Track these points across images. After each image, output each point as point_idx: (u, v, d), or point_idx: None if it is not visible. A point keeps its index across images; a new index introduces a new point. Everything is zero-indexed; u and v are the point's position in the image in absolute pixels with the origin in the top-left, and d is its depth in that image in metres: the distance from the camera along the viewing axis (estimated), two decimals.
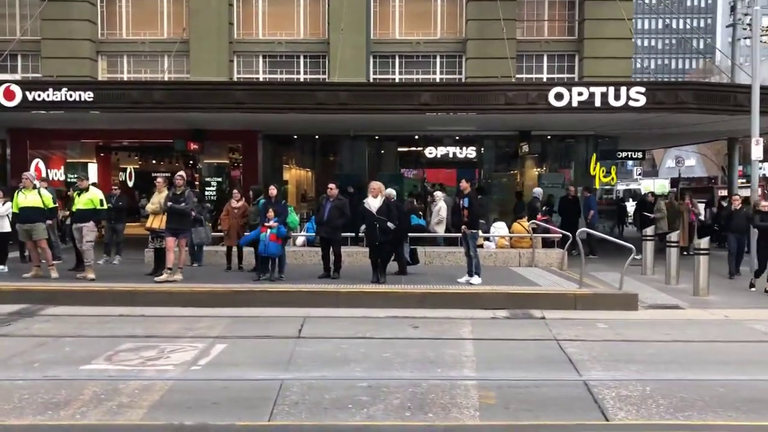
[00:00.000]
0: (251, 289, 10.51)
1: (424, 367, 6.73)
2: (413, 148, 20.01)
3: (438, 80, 19.81)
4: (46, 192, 11.72)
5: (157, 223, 11.31)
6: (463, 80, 19.55)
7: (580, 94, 14.14)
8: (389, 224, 10.71)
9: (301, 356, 7.12)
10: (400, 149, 20.31)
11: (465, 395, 5.78)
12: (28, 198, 11.31)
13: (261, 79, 19.01)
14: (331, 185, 11.62)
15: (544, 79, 19.86)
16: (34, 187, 11.47)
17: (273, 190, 11.53)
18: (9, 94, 13.59)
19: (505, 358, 7.16)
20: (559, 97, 14.10)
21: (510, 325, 9.07)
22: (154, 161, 22.47)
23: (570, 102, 14.11)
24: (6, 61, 18.22)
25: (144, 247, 12.68)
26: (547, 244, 14.35)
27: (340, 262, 11.55)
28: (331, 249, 11.50)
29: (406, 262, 12.12)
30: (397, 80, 19.60)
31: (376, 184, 11.03)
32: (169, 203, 11.02)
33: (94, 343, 7.65)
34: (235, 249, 12.60)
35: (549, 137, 18.89)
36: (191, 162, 20.74)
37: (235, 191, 12.83)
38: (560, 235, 14.04)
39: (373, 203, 10.84)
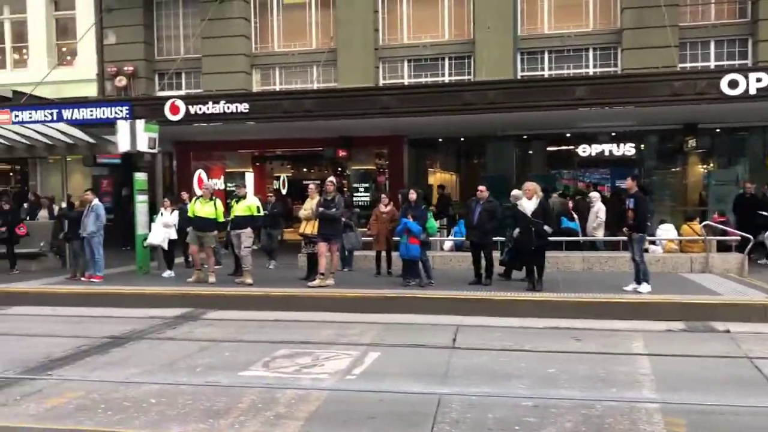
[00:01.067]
0: (401, 295, 10.29)
1: (595, 385, 6.08)
2: (564, 147, 19.01)
3: (591, 74, 18.71)
4: (220, 204, 12.27)
5: (310, 228, 11.42)
6: (619, 72, 18.30)
7: (758, 80, 12.60)
8: (546, 228, 10.04)
9: (458, 369, 6.72)
10: (549, 148, 19.38)
11: (648, 421, 5.09)
12: (204, 208, 11.89)
13: (406, 83, 18.94)
14: (481, 187, 11.15)
15: (712, 67, 18.10)
16: (211, 199, 12.04)
17: (413, 195, 11.27)
18: (174, 109, 14.44)
19: (689, 378, 6.32)
20: (733, 84, 12.66)
21: (689, 340, 8.11)
22: (304, 169, 23.17)
23: (747, 89, 12.62)
24: (172, 79, 19.55)
25: (297, 251, 12.93)
26: (723, 248, 12.93)
27: (492, 268, 11.03)
28: (482, 254, 11.02)
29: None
30: (546, 76, 18.73)
31: (531, 185, 10.40)
32: (320, 209, 11.09)
33: (252, 348, 7.73)
34: (383, 254, 12.48)
35: (717, 130, 17.16)
36: (339, 169, 21.07)
37: (383, 196, 12.73)
38: (739, 238, 12.59)
39: (527, 205, 10.23)
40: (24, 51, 20.45)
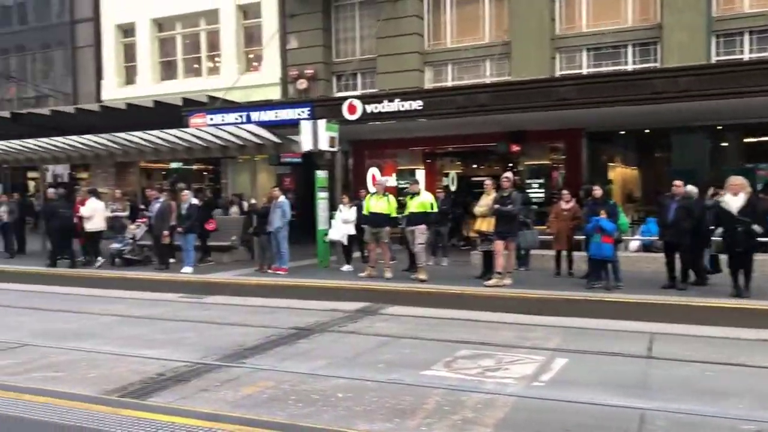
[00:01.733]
0: (586, 298, 9.69)
1: None
2: (764, 138, 17.00)
3: None
4: (392, 199, 12.42)
5: (486, 225, 11.15)
6: None
7: None
8: (755, 227, 8.94)
9: (657, 381, 6.13)
10: (746, 140, 17.44)
11: None
12: (378, 204, 12.10)
13: (584, 73, 17.99)
14: (677, 182, 10.20)
15: None
16: (384, 194, 12.24)
17: (597, 191, 10.57)
18: (351, 109, 14.83)
19: None
20: None
21: None
22: (474, 165, 22.83)
23: None
24: (348, 80, 20.17)
25: (469, 249, 12.71)
26: None
27: (688, 270, 10.07)
28: (677, 255, 10.08)
29: (705, 271, 10.40)
30: (746, 59, 16.86)
31: (738, 180, 9.31)
32: (496, 206, 10.78)
33: (431, 347, 7.63)
34: (564, 253, 11.88)
35: None
36: (511, 165, 20.52)
37: (564, 192, 12.11)
38: None
39: (732, 202, 9.17)
40: (217, 59, 22.13)
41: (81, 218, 14.32)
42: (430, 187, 18.19)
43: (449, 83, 19.34)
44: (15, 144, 17.22)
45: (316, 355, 7.33)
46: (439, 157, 21.66)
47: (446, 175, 23.27)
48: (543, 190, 18.45)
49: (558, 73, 18.23)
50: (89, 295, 12.11)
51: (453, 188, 22.54)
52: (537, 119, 15.26)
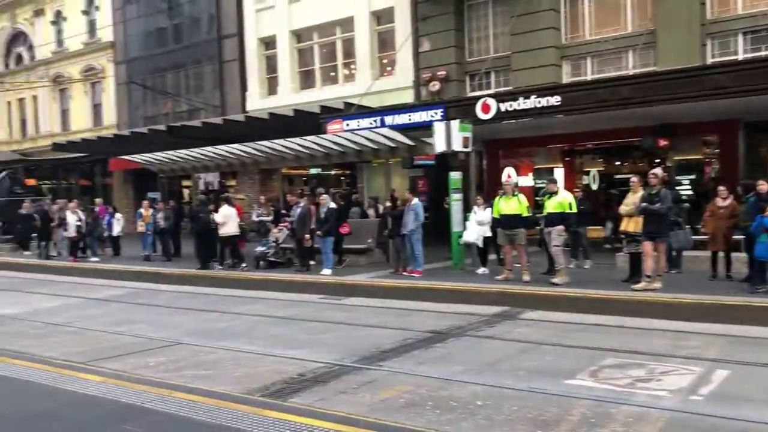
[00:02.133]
0: (748, 304, 8.80)
1: None
2: None
3: None
4: (524, 198, 12.03)
5: (632, 225, 10.47)
6: None
7: None
8: None
9: None
10: None
11: None
12: (509, 205, 11.77)
13: (740, 59, 16.49)
14: None
15: None
16: (514, 195, 11.88)
17: (763, 186, 9.57)
18: (485, 108, 14.54)
19: None
20: None
21: None
22: (617, 162, 21.64)
23: None
24: (482, 79, 19.84)
25: (611, 252, 12.01)
26: None
27: None
28: None
29: None
30: None
31: None
32: (644, 204, 10.08)
33: (574, 354, 7.24)
34: (721, 254, 10.91)
35: None
36: (657, 160, 19.26)
37: (721, 188, 11.10)
38: None
39: None
40: (352, 66, 22.63)
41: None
42: (569, 186, 17.51)
43: (588, 77, 18.48)
44: (170, 155, 18.57)
45: (454, 360, 7.19)
46: (578, 154, 20.79)
47: (587, 173, 22.28)
48: (694, 187, 17.15)
49: (710, 61, 16.87)
50: (235, 296, 12.73)
51: (594, 187, 21.55)
52: (687, 111, 14.19)
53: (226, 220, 14.91)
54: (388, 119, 16.11)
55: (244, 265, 15.01)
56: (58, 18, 32.50)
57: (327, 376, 6.60)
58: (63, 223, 18.72)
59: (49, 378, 6.68)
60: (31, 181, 30.78)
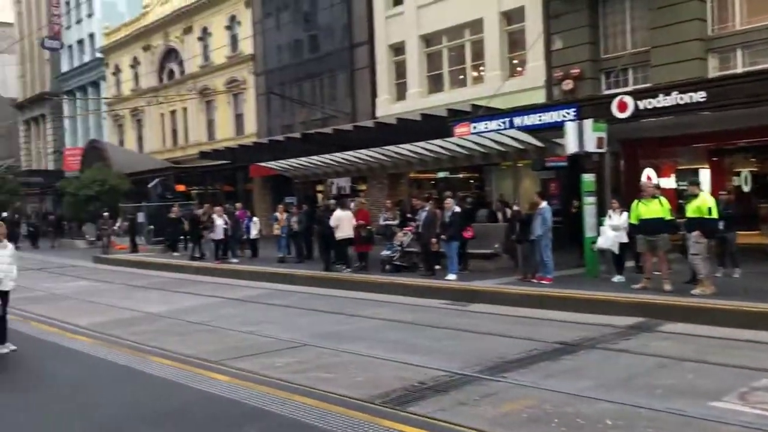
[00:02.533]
0: None
1: None
2: None
3: None
4: (665, 200, 11.22)
5: None
6: None
7: None
8: None
9: None
10: None
11: None
12: (650, 208, 11.01)
13: None
14: None
15: None
16: (654, 197, 11.11)
17: None
18: (622, 106, 13.73)
19: None
20: None
21: None
22: None
23: None
24: (618, 77, 18.82)
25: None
26: None
27: None
28: None
29: None
30: None
31: None
32: None
33: (720, 373, 6.60)
34: None
35: None
36: None
37: None
38: None
39: None
40: (481, 68, 22.30)
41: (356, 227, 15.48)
42: (716, 188, 16.17)
43: (738, 70, 16.99)
44: (303, 161, 19.23)
45: (583, 374, 6.78)
46: (727, 153, 19.20)
47: (737, 173, 20.54)
48: None
49: None
50: (361, 299, 12.88)
51: (746, 188, 19.80)
52: None
53: (339, 223, 15.41)
54: (518, 120, 15.66)
55: (346, 267, 15.31)
56: (204, 34, 34.77)
57: (447, 385, 6.45)
58: (210, 225, 19.93)
59: (183, 376, 7.04)
60: (181, 187, 33.05)
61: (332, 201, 19.36)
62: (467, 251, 14.63)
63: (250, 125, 32.15)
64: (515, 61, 21.49)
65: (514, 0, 20.94)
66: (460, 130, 16.77)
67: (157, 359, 7.89)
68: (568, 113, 14.63)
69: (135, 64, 40.69)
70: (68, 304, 13.70)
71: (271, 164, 20.67)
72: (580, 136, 12.77)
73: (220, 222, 19.28)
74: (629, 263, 12.69)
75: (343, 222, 15.43)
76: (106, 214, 27.92)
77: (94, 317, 11.72)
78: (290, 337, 9.17)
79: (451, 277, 13.24)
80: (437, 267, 14.34)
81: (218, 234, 19.35)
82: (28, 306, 12.94)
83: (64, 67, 47.77)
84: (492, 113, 17.46)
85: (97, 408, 6.15)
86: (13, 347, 8.59)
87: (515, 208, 14.41)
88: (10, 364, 8.10)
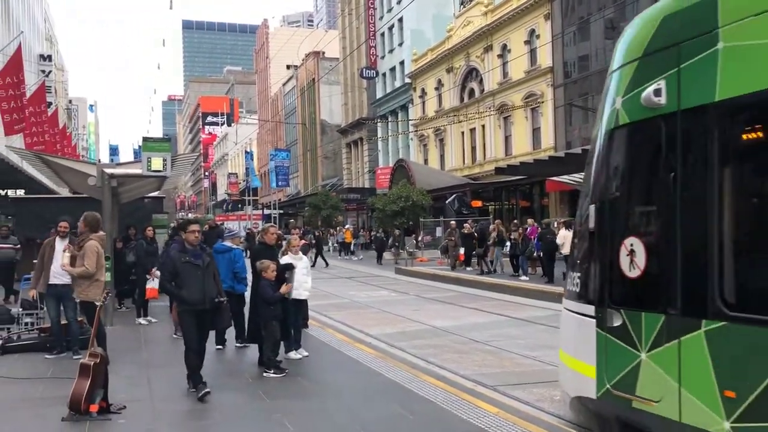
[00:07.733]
0: None
1: None
2: None
3: None
4: None
5: None
6: None
7: None
8: None
9: None
10: None
11: None
12: None
13: None
14: None
15: None
16: None
17: None
18: None
19: None
20: None
21: None
22: None
23: None
24: None
25: None
26: None
27: None
28: None
29: None
30: None
31: None
32: None
33: None
34: None
35: None
36: None
37: None
38: None
39: None
40: None
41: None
42: None
43: None
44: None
45: None
46: None
47: None
48: None
49: None
50: None
51: None
52: None
53: (564, 241, 16.13)
54: None
55: None
56: (504, 51, 35.01)
57: None
58: (500, 241, 19.68)
59: (450, 401, 6.62)
60: (477, 203, 33.56)
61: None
62: None
63: (547, 139, 31.37)
64: None
65: None
66: None
67: (430, 380, 7.63)
68: None
69: (438, 85, 42.76)
70: (366, 313, 14.46)
71: (565, 179, 19.67)
72: None
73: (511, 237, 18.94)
74: None
75: (568, 240, 14.49)
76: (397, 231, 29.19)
77: (385, 327, 12.11)
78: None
79: None
80: None
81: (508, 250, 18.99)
82: (332, 312, 13.98)
83: (379, 94, 52.41)
84: None
85: (355, 422, 6.02)
86: (305, 353, 9.09)
87: None
88: (299, 369, 8.48)
